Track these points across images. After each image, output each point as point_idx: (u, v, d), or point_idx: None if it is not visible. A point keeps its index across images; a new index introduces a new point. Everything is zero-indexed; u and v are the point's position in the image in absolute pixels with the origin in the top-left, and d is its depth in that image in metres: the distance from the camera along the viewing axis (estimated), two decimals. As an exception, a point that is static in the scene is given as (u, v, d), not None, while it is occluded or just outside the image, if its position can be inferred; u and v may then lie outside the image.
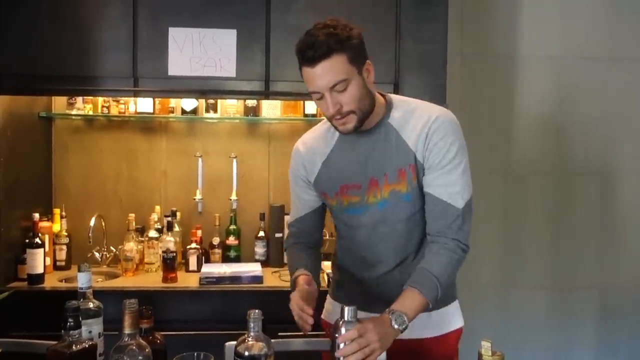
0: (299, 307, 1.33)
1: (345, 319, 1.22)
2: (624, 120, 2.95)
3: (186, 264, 2.56)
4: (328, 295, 1.66)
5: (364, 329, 1.18)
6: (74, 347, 1.09)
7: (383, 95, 1.45)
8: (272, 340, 1.19)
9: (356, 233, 1.50)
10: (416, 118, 1.40)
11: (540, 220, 2.95)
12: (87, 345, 1.11)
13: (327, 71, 1.29)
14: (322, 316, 1.65)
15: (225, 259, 2.66)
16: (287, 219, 2.44)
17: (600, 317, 2.99)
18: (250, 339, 1.14)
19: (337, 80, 1.30)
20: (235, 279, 2.37)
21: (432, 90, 2.34)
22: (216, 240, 2.66)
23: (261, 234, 2.69)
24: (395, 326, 1.24)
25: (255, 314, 1.15)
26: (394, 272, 1.47)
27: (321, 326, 1.64)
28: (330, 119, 1.38)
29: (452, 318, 1.55)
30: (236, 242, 2.68)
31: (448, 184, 1.37)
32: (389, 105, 1.43)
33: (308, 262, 1.51)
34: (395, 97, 1.47)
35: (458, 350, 1.56)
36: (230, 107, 2.68)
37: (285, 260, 2.62)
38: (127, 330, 1.11)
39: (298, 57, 1.33)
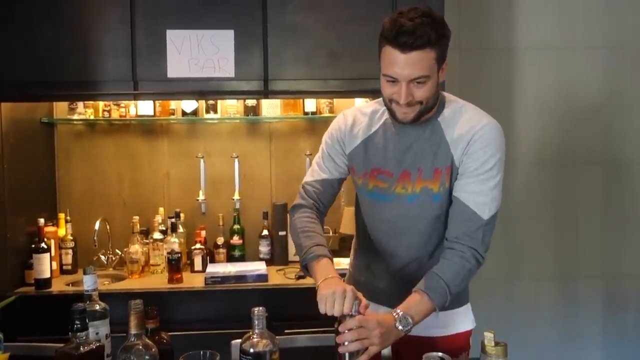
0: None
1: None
2: (623, 110, 2.95)
3: (191, 264, 2.57)
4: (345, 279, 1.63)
5: (366, 322, 1.19)
6: (81, 348, 1.10)
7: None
8: (277, 337, 1.20)
9: (377, 222, 1.48)
10: (464, 121, 1.39)
11: (543, 211, 2.96)
12: (94, 347, 1.12)
13: (416, 62, 1.26)
14: None
15: (230, 259, 2.67)
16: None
17: (606, 307, 2.99)
18: (255, 336, 1.15)
19: (421, 75, 1.27)
20: (240, 278, 2.38)
21: (430, 84, 2.34)
22: (220, 240, 2.67)
23: (265, 232, 2.70)
24: (399, 327, 1.24)
25: (259, 311, 1.16)
26: (407, 268, 1.47)
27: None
28: (390, 103, 1.35)
29: (460, 320, 1.55)
30: (240, 241, 2.70)
31: (478, 193, 1.36)
32: (441, 103, 1.41)
33: (322, 240, 1.42)
34: (447, 96, 1.45)
35: (469, 346, 1.56)
36: (231, 107, 2.69)
37: (290, 258, 2.67)
38: (133, 331, 1.12)
39: (388, 36, 1.28)
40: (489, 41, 2.88)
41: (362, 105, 1.54)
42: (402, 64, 1.27)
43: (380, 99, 1.46)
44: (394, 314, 1.25)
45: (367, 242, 1.54)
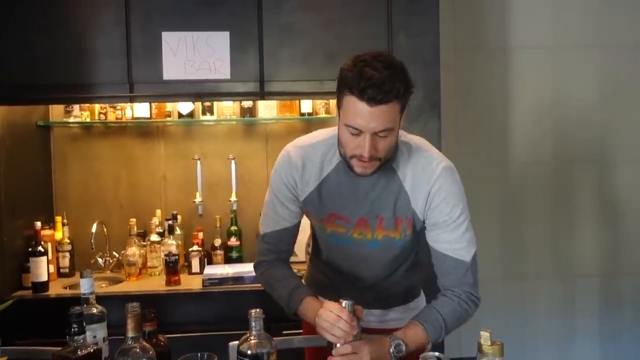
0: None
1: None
2: (618, 108, 2.96)
3: (189, 266, 2.57)
4: (303, 281, 1.65)
5: (359, 348, 1.22)
6: (79, 352, 1.10)
7: None
8: (274, 339, 1.20)
9: (338, 257, 1.49)
10: (419, 170, 1.36)
11: (539, 210, 2.96)
12: (92, 350, 1.12)
13: (381, 116, 1.20)
14: None
15: (228, 260, 2.67)
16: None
17: (603, 305, 3.00)
18: (252, 338, 1.15)
19: (386, 127, 1.22)
20: (238, 279, 2.38)
21: (426, 83, 2.34)
22: (218, 242, 2.67)
23: (262, 233, 2.70)
24: (392, 351, 1.26)
25: (256, 313, 1.16)
26: (375, 286, 1.50)
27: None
28: (350, 157, 1.29)
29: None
30: (237, 242, 2.70)
31: (453, 241, 1.37)
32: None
33: (299, 281, 1.45)
34: (399, 140, 1.38)
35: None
36: (227, 108, 2.69)
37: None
38: (130, 334, 1.12)
39: (353, 87, 1.20)
40: (484, 40, 2.88)
41: (307, 143, 1.43)
42: (367, 117, 1.20)
43: (328, 132, 1.42)
44: (390, 339, 1.27)
45: (326, 264, 1.54)
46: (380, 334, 1.32)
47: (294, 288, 1.40)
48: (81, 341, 1.12)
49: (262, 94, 2.38)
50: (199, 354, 1.18)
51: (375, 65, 1.20)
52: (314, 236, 1.58)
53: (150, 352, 1.12)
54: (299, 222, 1.49)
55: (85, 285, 1.27)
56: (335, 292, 1.45)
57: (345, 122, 1.25)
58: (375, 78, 1.18)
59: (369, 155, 1.24)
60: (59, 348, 1.15)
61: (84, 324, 1.14)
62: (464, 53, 2.86)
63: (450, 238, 1.37)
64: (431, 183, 1.34)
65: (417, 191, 1.36)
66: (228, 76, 2.33)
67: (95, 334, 1.24)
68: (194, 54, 2.31)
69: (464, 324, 1.40)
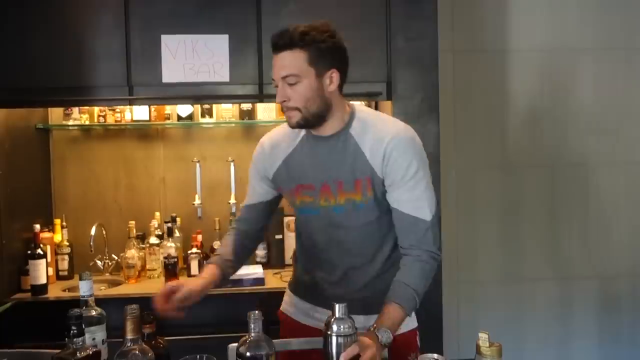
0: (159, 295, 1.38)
1: (337, 316, 1.26)
2: (616, 111, 2.96)
3: (188, 268, 2.57)
4: (287, 288, 1.70)
5: (364, 346, 1.23)
6: (78, 354, 1.10)
7: (349, 106, 1.48)
8: (273, 341, 1.21)
9: (312, 234, 1.54)
10: (374, 133, 1.43)
11: (537, 212, 2.97)
12: (91, 352, 1.13)
13: (284, 62, 1.36)
14: (281, 308, 1.69)
15: (227, 263, 2.67)
16: (287, 220, 2.69)
17: (601, 307, 3.00)
18: (251, 340, 1.15)
19: (289, 73, 1.35)
20: (237, 282, 2.38)
21: (425, 86, 2.35)
22: (217, 244, 2.67)
23: (261, 236, 2.70)
24: (383, 342, 1.28)
25: (255, 315, 1.16)
26: (352, 275, 1.52)
27: (278, 317, 1.68)
28: (282, 108, 1.44)
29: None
30: (237, 245, 2.69)
31: (413, 199, 1.41)
32: (351, 115, 1.46)
33: (230, 250, 1.57)
34: (358, 108, 1.49)
35: (418, 346, 1.58)
36: (226, 111, 2.70)
37: (286, 262, 2.68)
38: (129, 336, 1.12)
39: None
40: (482, 44, 2.89)
41: (281, 125, 1.58)
42: (275, 64, 1.38)
43: None
44: (375, 331, 1.29)
45: (305, 253, 1.61)
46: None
47: (217, 253, 1.58)
48: (80, 343, 1.12)
49: (261, 97, 2.39)
50: (197, 356, 1.18)
51: (294, 25, 1.38)
52: (296, 234, 1.65)
53: (150, 354, 1.13)
54: (265, 202, 1.61)
55: (85, 288, 1.27)
56: (318, 290, 1.54)
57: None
58: (282, 29, 1.37)
59: (281, 101, 1.39)
60: (58, 350, 1.15)
61: (83, 326, 1.14)
62: (463, 56, 2.87)
63: (410, 196, 1.41)
64: (388, 141, 1.40)
65: (374, 148, 1.41)
66: (227, 79, 2.34)
67: (95, 336, 1.24)
68: (193, 57, 2.32)
69: (430, 280, 1.45)
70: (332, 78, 1.39)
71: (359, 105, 1.53)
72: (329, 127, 1.44)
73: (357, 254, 1.50)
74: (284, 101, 1.38)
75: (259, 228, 1.65)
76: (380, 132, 1.43)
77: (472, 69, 2.88)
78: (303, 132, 1.50)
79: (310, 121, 1.41)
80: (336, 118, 1.44)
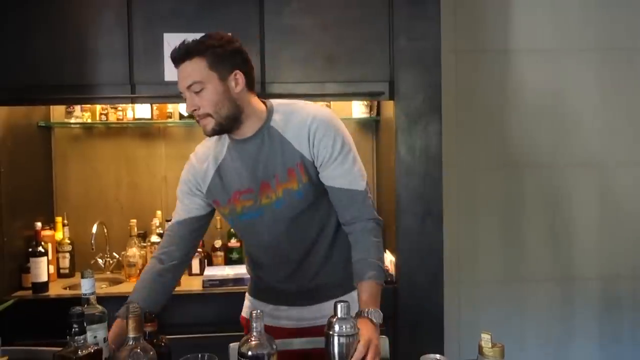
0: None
1: (339, 315, 1.26)
2: (618, 111, 2.96)
3: (189, 267, 2.57)
4: (247, 293, 1.71)
5: (368, 342, 1.26)
6: (79, 352, 1.10)
7: (265, 103, 1.51)
8: (275, 340, 1.20)
9: (258, 236, 1.54)
10: (295, 119, 1.46)
11: (539, 212, 2.96)
12: (92, 350, 1.13)
13: (185, 72, 1.38)
14: (243, 313, 1.70)
15: (228, 262, 2.68)
16: None
17: (603, 308, 3.00)
18: (253, 339, 1.15)
19: (193, 81, 1.38)
20: (238, 280, 2.38)
21: (427, 86, 2.35)
22: (218, 243, 2.67)
23: (262, 235, 2.70)
24: (375, 321, 1.33)
25: (257, 314, 1.16)
26: (302, 265, 1.55)
27: (241, 324, 1.70)
28: (195, 119, 1.45)
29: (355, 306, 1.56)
30: (238, 244, 2.70)
31: (345, 174, 1.46)
32: (269, 111, 1.49)
33: (143, 295, 1.47)
34: (275, 102, 1.52)
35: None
36: (228, 110, 2.69)
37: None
38: (131, 334, 1.12)
39: None
40: (485, 44, 2.89)
41: (201, 144, 1.60)
42: (178, 77, 1.40)
43: None
44: (367, 316, 1.33)
45: (254, 256, 1.62)
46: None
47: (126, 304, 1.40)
48: (82, 341, 1.12)
49: (263, 96, 2.36)
50: (199, 355, 1.18)
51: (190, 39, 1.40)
52: (244, 242, 1.67)
53: (151, 353, 1.12)
54: (200, 218, 1.56)
55: (86, 286, 1.27)
56: (273, 290, 1.57)
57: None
58: (180, 44, 1.40)
59: (191, 110, 1.40)
60: (60, 348, 1.15)
61: (85, 324, 1.14)
62: (465, 56, 2.86)
63: (341, 171, 1.45)
64: (309, 122, 1.44)
65: (298, 135, 1.45)
66: (229, 78, 2.33)
67: (96, 334, 1.24)
68: (196, 55, 2.31)
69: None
70: (237, 80, 1.41)
71: (275, 100, 1.54)
72: (249, 128, 1.46)
73: (302, 244, 1.53)
74: (194, 110, 1.40)
75: (183, 255, 1.55)
76: (299, 117, 1.46)
77: (475, 69, 2.88)
78: (227, 140, 1.51)
79: (225, 125, 1.42)
80: (252, 117, 1.45)
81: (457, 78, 2.86)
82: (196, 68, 1.37)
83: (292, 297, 1.57)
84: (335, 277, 1.54)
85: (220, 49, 1.39)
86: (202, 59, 1.37)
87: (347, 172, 1.45)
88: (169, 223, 1.62)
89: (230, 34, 1.45)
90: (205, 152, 1.55)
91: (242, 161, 1.49)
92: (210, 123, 1.41)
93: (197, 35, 2.26)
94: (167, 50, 2.31)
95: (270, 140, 1.46)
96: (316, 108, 1.50)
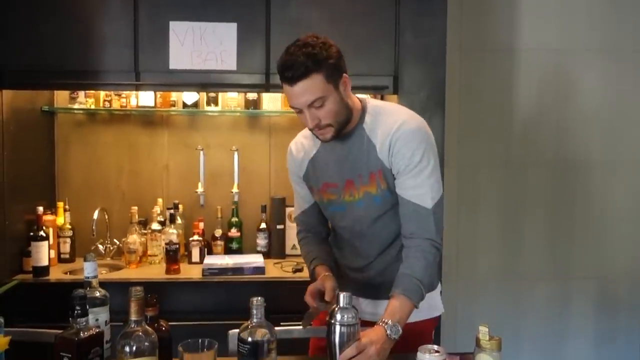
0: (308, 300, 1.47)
1: (341, 305, 1.27)
2: (623, 112, 2.97)
3: (189, 255, 2.58)
4: None
5: (362, 346, 1.25)
6: (81, 334, 1.11)
7: (360, 100, 1.52)
8: (275, 328, 1.22)
9: (341, 229, 1.61)
10: (384, 123, 1.47)
11: (539, 211, 2.98)
12: (94, 333, 1.14)
13: (305, 90, 1.36)
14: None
15: (228, 251, 2.69)
16: (289, 211, 2.71)
17: (598, 307, 3.02)
18: (253, 326, 1.16)
19: (315, 99, 1.37)
20: (237, 270, 2.40)
21: (431, 83, 2.36)
22: (218, 232, 2.68)
23: (263, 225, 2.71)
24: (392, 337, 1.31)
25: (257, 301, 1.17)
26: (373, 263, 1.58)
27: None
28: (310, 130, 1.46)
29: (431, 305, 1.60)
30: (238, 234, 2.71)
31: (416, 187, 1.44)
32: (363, 110, 1.51)
33: (319, 252, 1.63)
34: (369, 102, 1.53)
35: (432, 336, 1.63)
36: (231, 100, 2.70)
37: (287, 252, 2.70)
38: (133, 317, 1.13)
39: (279, 75, 1.40)
40: (490, 42, 2.89)
41: (301, 134, 1.66)
42: (294, 95, 1.38)
43: None
44: (383, 326, 1.32)
45: (337, 241, 1.68)
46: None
47: (311, 259, 1.61)
48: (84, 323, 1.13)
49: (267, 87, 2.39)
50: (199, 340, 1.19)
51: (291, 51, 1.38)
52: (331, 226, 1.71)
53: (153, 336, 1.14)
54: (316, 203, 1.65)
55: (89, 269, 1.28)
56: (342, 278, 1.59)
57: (289, 106, 1.43)
58: (287, 61, 1.37)
59: (314, 125, 1.41)
60: (62, 330, 1.16)
61: (87, 306, 1.15)
62: (471, 54, 2.87)
63: (413, 183, 1.44)
64: (393, 131, 1.44)
65: (382, 141, 1.46)
66: (234, 67, 2.34)
67: (98, 317, 1.25)
68: (201, 44, 2.32)
69: (436, 267, 1.49)
70: (346, 83, 1.43)
71: (368, 98, 1.56)
72: (348, 126, 1.49)
73: (378, 243, 1.55)
74: (317, 123, 1.41)
75: (323, 227, 1.70)
76: (387, 124, 1.47)
77: (479, 67, 2.88)
78: None
79: (341, 130, 1.46)
80: (353, 117, 1.48)
81: (462, 75, 2.86)
82: (315, 85, 1.36)
83: (359, 287, 1.58)
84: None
85: (332, 60, 1.38)
86: (320, 74, 1.36)
87: (419, 186, 1.44)
88: (295, 214, 1.73)
89: (324, 36, 1.44)
90: (303, 142, 1.62)
91: (332, 156, 1.53)
92: (330, 132, 1.44)
93: (203, 25, 2.31)
94: (173, 38, 2.32)
95: (360, 142, 1.49)
96: (406, 115, 1.50)
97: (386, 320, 1.32)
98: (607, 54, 2.93)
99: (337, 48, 1.42)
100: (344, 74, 1.43)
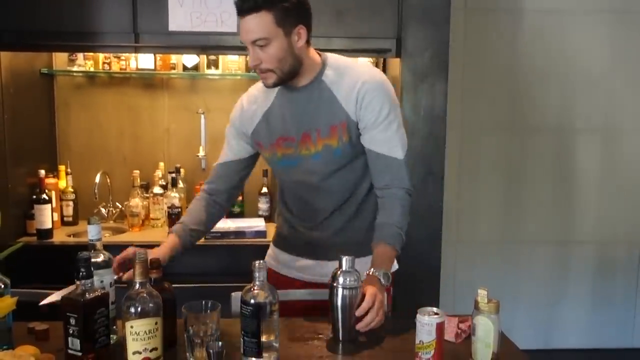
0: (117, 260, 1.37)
1: (344, 268, 1.29)
2: (627, 75, 2.93)
3: (191, 219, 2.59)
4: (271, 243, 1.74)
5: (374, 295, 1.30)
6: (87, 295, 1.13)
7: (319, 54, 1.51)
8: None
9: (293, 184, 1.60)
10: (347, 78, 1.47)
11: (541, 176, 2.98)
12: (100, 294, 1.16)
13: (252, 26, 1.37)
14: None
15: (229, 215, 2.70)
16: None
17: (597, 271, 3.05)
18: (256, 288, 1.18)
19: (259, 37, 1.37)
20: (239, 233, 2.42)
21: (434, 44, 2.32)
22: (219, 197, 2.69)
23: (264, 190, 2.72)
24: (384, 283, 1.37)
25: (260, 264, 1.19)
26: (329, 219, 1.57)
27: None
28: (253, 69, 1.45)
29: None
30: (239, 198, 2.72)
31: (386, 140, 1.47)
32: (323, 64, 1.50)
33: (190, 219, 1.58)
34: (330, 56, 1.53)
35: (391, 291, 1.62)
36: (232, 63, 2.67)
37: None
38: (137, 279, 1.15)
39: (235, 5, 1.40)
40: (495, 2, 2.83)
41: (254, 86, 1.62)
42: (242, 28, 1.39)
43: None
44: (375, 274, 1.36)
45: (285, 203, 1.66)
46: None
47: (181, 221, 1.59)
48: (89, 285, 1.14)
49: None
50: (203, 302, 1.21)
51: None
52: (278, 185, 1.69)
53: (157, 298, 1.15)
54: (245, 160, 1.63)
55: (93, 232, 1.29)
56: (297, 239, 1.60)
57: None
58: None
59: (254, 65, 1.42)
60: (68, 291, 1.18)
61: (92, 268, 1.16)
62: (475, 14, 2.81)
63: (383, 137, 1.47)
64: (360, 84, 1.45)
65: (347, 94, 1.46)
66: (234, 29, 2.29)
67: (103, 279, 1.26)
68: (201, 5, 2.27)
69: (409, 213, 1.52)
70: (300, 34, 1.41)
71: (330, 54, 1.54)
72: (302, 79, 1.48)
73: (332, 200, 1.56)
74: (257, 64, 1.41)
75: (230, 189, 1.65)
76: (352, 77, 1.47)
77: (484, 28, 2.83)
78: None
79: (285, 79, 1.45)
80: (308, 69, 1.47)
81: (466, 37, 2.81)
82: (262, 23, 1.36)
83: (313, 248, 1.59)
84: (356, 239, 1.55)
85: (288, 3, 1.37)
86: (269, 14, 1.35)
87: (389, 139, 1.47)
88: (216, 162, 1.67)
89: None
90: (256, 95, 1.58)
91: (289, 109, 1.51)
92: (271, 78, 1.43)
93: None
94: (172, -1, 2.27)
95: (319, 94, 1.48)
96: (369, 70, 1.52)
97: (377, 269, 1.37)
98: (613, 16, 2.87)
99: (304, 1, 1.42)
100: (301, 25, 1.41)
